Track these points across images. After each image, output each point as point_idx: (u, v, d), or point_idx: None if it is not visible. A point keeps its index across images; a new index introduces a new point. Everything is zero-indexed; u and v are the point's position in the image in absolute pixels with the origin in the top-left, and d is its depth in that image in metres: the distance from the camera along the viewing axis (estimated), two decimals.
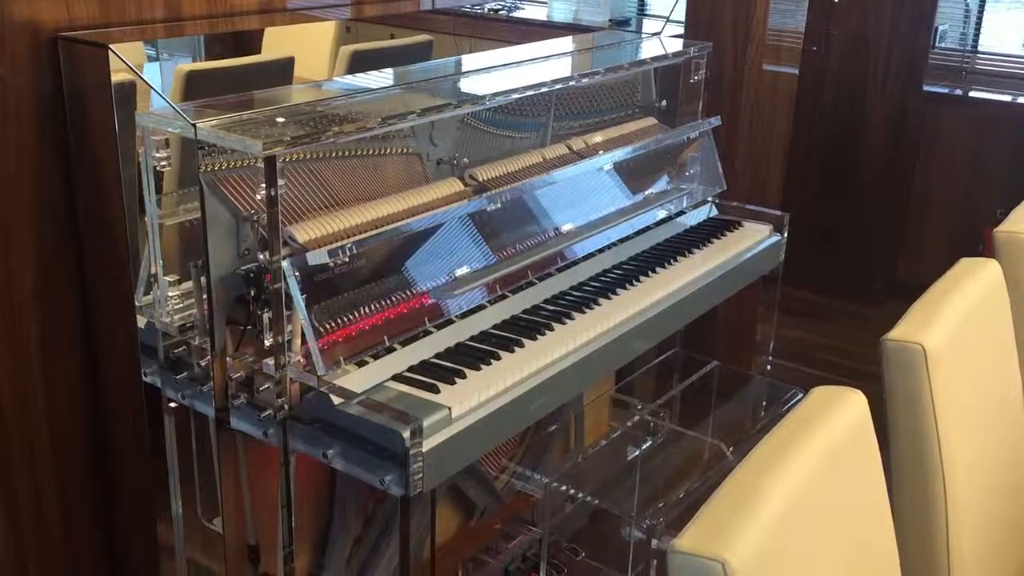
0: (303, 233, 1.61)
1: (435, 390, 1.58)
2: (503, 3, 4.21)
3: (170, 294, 1.60)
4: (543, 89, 2.02)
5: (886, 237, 3.98)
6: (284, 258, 1.52)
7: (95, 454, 1.71)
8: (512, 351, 1.72)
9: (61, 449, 1.65)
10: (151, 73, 1.72)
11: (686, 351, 2.59)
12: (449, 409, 1.54)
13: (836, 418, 1.06)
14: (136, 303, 1.62)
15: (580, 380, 1.86)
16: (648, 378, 2.70)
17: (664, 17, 3.04)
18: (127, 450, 1.70)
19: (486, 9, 4.45)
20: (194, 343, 1.61)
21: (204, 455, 1.70)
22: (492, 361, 1.68)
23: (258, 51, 2.01)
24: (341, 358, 1.56)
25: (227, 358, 1.58)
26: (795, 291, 3.48)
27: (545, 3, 4.17)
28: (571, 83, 2.14)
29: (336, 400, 1.52)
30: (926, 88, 3.86)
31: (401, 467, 1.46)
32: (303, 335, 1.54)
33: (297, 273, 1.52)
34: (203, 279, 1.55)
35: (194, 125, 1.48)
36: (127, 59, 1.48)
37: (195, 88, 1.82)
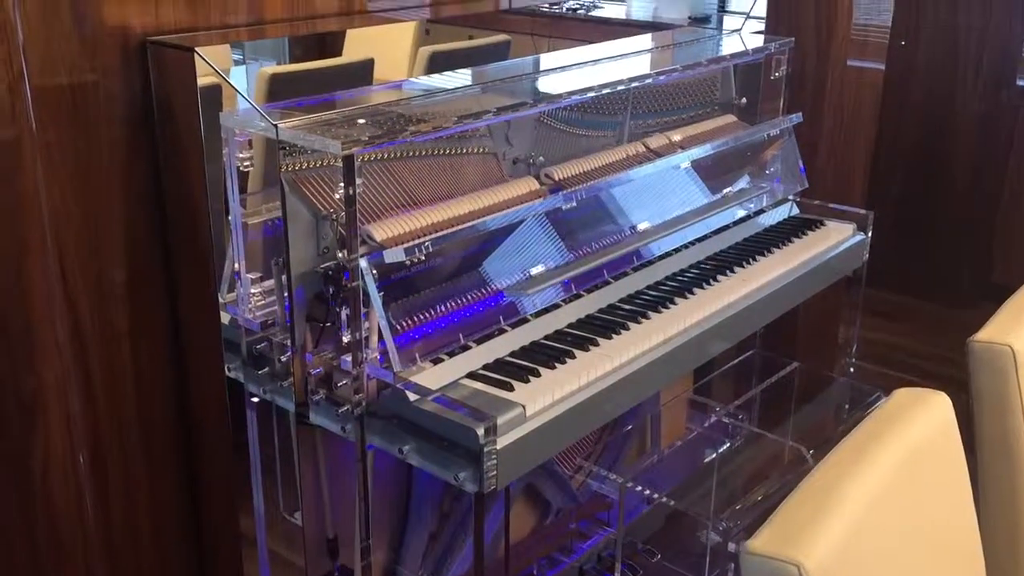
0: (381, 231, 1.63)
1: (509, 388, 1.59)
2: (581, 2, 4.21)
3: (252, 291, 1.64)
4: (619, 88, 2.01)
5: (977, 238, 3.85)
6: (362, 256, 1.54)
7: (182, 445, 1.76)
8: (587, 350, 1.72)
9: (149, 439, 1.70)
10: (237, 76, 1.76)
11: (765, 352, 2.55)
12: (523, 407, 1.54)
13: (919, 420, 1.03)
14: (221, 300, 1.67)
15: (655, 381, 1.84)
16: (726, 379, 2.66)
17: (744, 13, 3.00)
18: (211, 443, 1.75)
19: (564, 8, 4.46)
20: (275, 339, 1.64)
21: (285, 450, 1.74)
22: (567, 360, 1.68)
23: (339, 53, 2.04)
24: (417, 355, 1.58)
25: (307, 354, 1.61)
26: (881, 292, 3.40)
27: (624, 1, 4.14)
28: (647, 81, 2.12)
29: (412, 396, 1.54)
30: (1020, 83, 3.72)
31: (475, 464, 1.47)
32: (380, 332, 1.56)
33: (374, 271, 1.54)
34: (284, 277, 1.58)
35: (275, 126, 1.51)
36: (213, 62, 1.52)
37: (278, 90, 1.85)
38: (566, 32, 4.21)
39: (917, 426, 1.03)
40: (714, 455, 2.35)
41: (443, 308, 1.65)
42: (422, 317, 1.61)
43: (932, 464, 1.03)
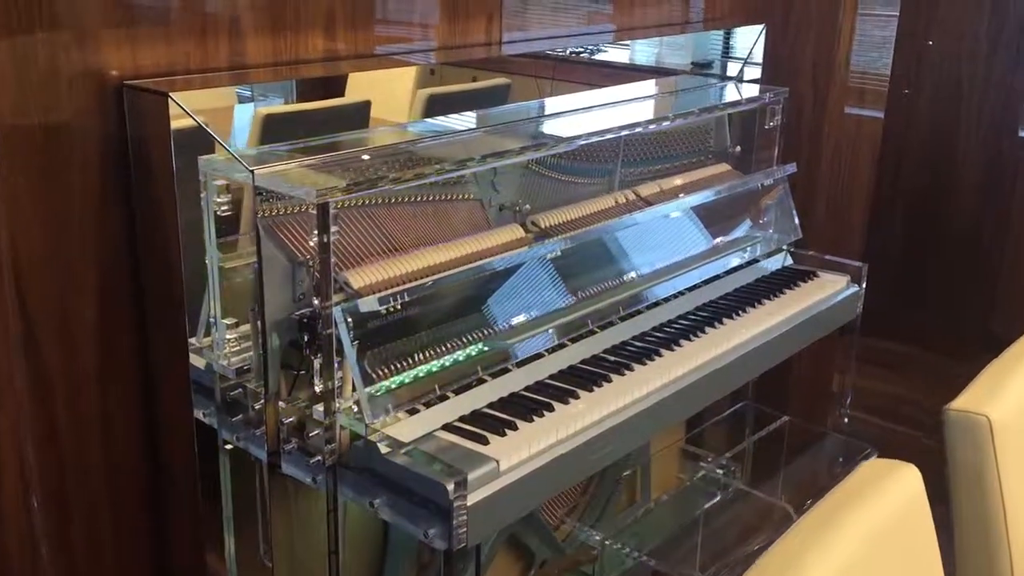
0: (358, 279, 1.61)
1: (484, 441, 1.56)
2: (585, 45, 4.20)
3: (228, 337, 1.61)
4: (607, 137, 1.99)
5: (978, 290, 3.81)
6: (336, 304, 1.52)
7: (151, 491, 1.73)
8: (567, 402, 1.69)
9: (116, 485, 1.67)
10: (242, 114, 1.75)
11: (757, 404, 2.51)
12: (497, 462, 1.51)
13: (888, 493, 1.00)
14: (196, 344, 1.64)
15: (636, 435, 1.81)
16: (719, 429, 2.63)
17: (743, 59, 3.00)
18: (181, 489, 1.72)
19: (567, 52, 4.47)
20: (250, 386, 1.61)
21: (257, 497, 1.70)
22: (545, 412, 1.65)
23: (343, 93, 2.03)
24: (390, 406, 1.55)
25: (280, 402, 1.58)
26: (881, 342, 3.35)
27: (627, 46, 4.14)
28: (637, 131, 2.11)
29: (384, 449, 1.51)
30: (1022, 134, 3.70)
31: (445, 520, 1.43)
32: (354, 381, 1.54)
33: (349, 319, 1.52)
34: (258, 323, 1.56)
35: (252, 171, 1.50)
36: (204, 102, 1.51)
37: (273, 131, 1.84)
38: (568, 75, 4.22)
39: (885, 499, 0.99)
40: (700, 511, 2.31)
41: (421, 357, 1.62)
42: (398, 366, 1.58)
43: (900, 539, 0.99)
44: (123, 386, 1.63)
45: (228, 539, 1.75)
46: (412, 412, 1.61)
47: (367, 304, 1.53)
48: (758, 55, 2.80)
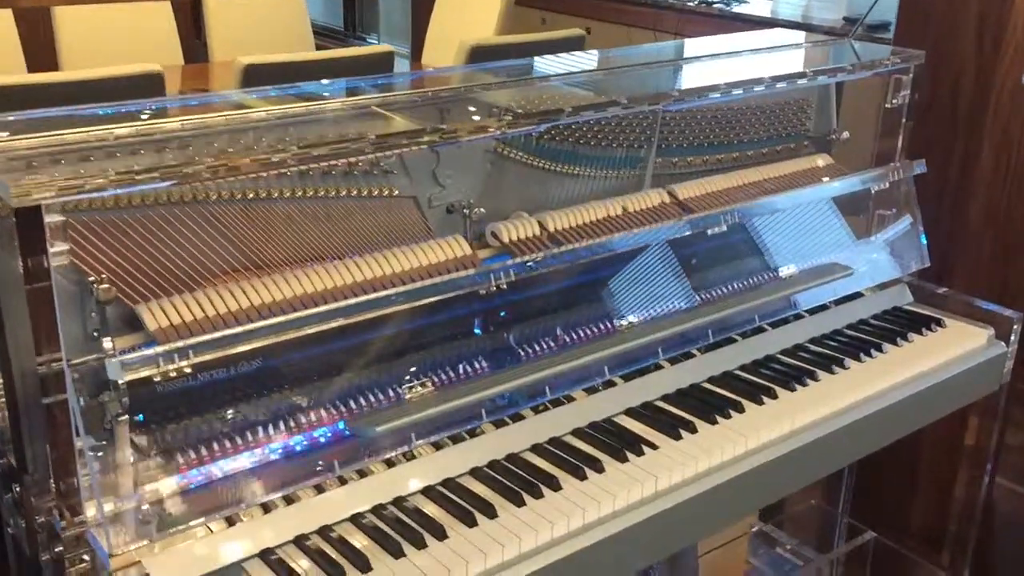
0: (155, 316, 1.06)
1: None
2: None
3: None
4: (609, 111, 1.35)
5: None
6: (85, 360, 0.98)
7: None
8: (442, 538, 1.07)
9: None
10: None
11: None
12: None
13: None
14: None
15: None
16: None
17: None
18: None
19: (697, 2, 3.75)
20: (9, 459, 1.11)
21: None
22: (413, 548, 1.05)
23: None
24: (157, 520, 1.00)
25: (31, 497, 1.06)
26: None
27: None
28: (651, 107, 1.44)
29: None
30: None
31: None
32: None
33: (93, 385, 0.97)
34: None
35: None
36: None
37: None
38: (693, 29, 3.54)
39: None
40: None
41: (233, 442, 1.06)
42: (193, 456, 1.03)
43: None
44: None
45: None
46: (230, 523, 1.06)
47: (117, 368, 0.97)
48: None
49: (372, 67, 2.06)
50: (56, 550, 1.02)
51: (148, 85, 1.62)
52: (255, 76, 2.14)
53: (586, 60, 1.68)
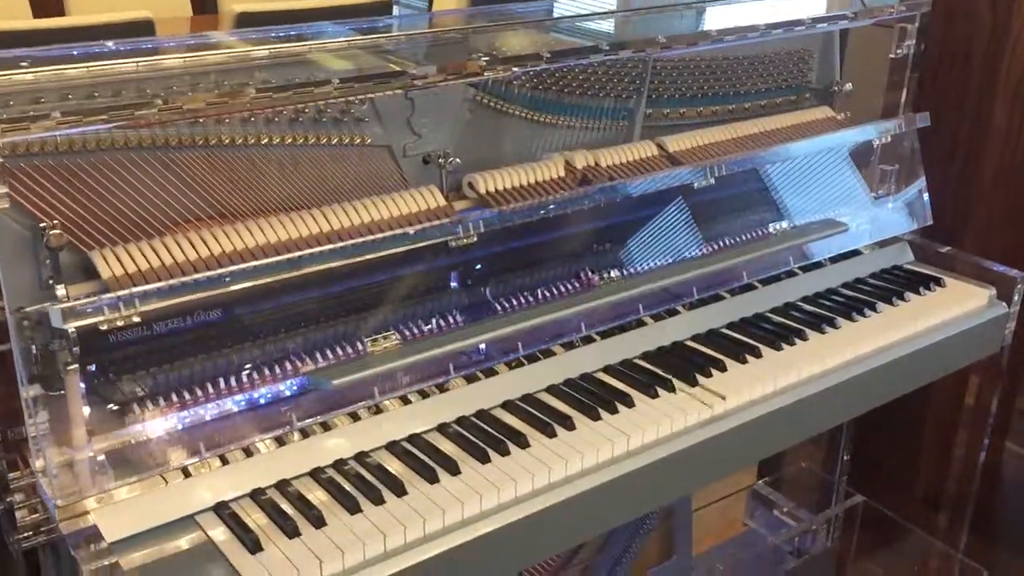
0: (109, 263, 1.03)
1: (258, 547, 0.96)
2: None
3: None
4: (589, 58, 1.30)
5: None
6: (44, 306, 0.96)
7: None
8: (401, 494, 1.04)
9: None
10: None
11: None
12: None
13: None
14: None
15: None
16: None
17: None
18: None
19: None
20: None
21: None
22: (371, 504, 1.03)
23: None
24: (108, 472, 0.98)
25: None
26: None
27: None
28: (636, 54, 1.39)
29: (76, 550, 0.94)
30: None
31: None
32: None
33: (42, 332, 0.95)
34: None
35: None
36: None
37: None
38: None
39: None
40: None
41: (193, 393, 1.04)
42: (148, 408, 1.01)
43: None
44: None
45: None
46: (184, 477, 1.04)
47: (58, 315, 0.94)
48: None
49: (370, 15, 1.99)
50: (7, 500, 1.01)
51: (138, 33, 1.58)
52: (248, 24, 2.10)
53: (585, 6, 1.62)
